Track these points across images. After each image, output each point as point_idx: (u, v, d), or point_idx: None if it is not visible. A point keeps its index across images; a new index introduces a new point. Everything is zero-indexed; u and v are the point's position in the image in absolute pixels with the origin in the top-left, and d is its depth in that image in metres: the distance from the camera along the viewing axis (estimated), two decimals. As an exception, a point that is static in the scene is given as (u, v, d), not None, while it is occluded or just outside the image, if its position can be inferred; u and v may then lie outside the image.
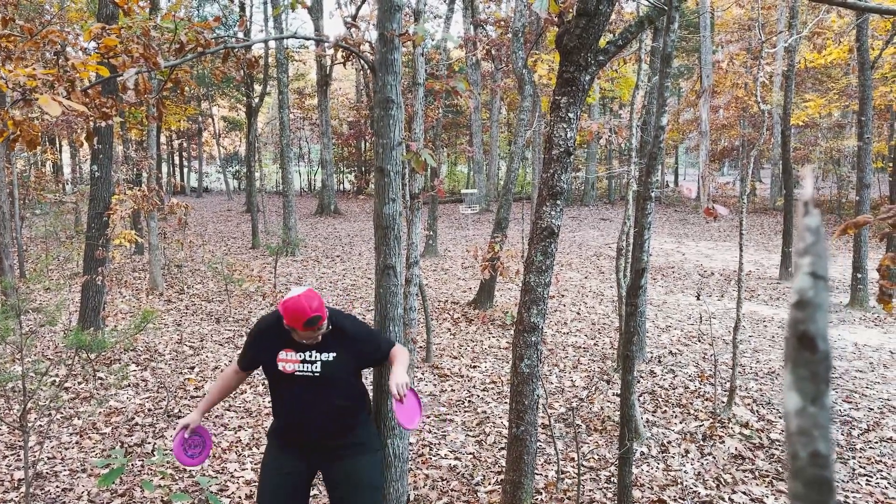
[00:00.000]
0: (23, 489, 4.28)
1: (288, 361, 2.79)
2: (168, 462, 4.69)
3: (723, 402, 5.83)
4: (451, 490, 4.43)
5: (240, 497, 4.32)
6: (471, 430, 5.43)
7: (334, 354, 2.78)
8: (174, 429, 5.34)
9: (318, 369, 2.77)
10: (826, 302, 0.37)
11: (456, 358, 7.43)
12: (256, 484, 4.49)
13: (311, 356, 2.78)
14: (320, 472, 2.93)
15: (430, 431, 5.40)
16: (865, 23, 9.81)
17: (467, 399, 6.17)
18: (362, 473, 2.88)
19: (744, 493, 4.37)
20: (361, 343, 2.89)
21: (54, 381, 6.35)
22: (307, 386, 2.79)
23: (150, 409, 5.80)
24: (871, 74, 9.98)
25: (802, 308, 0.36)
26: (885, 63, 14.99)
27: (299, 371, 2.78)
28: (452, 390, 6.40)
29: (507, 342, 7.97)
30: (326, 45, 3.86)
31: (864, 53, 9.85)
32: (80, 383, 6.42)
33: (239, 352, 3.43)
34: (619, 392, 6.13)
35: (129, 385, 6.40)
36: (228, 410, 5.77)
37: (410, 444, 4.90)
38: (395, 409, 2.78)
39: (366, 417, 2.99)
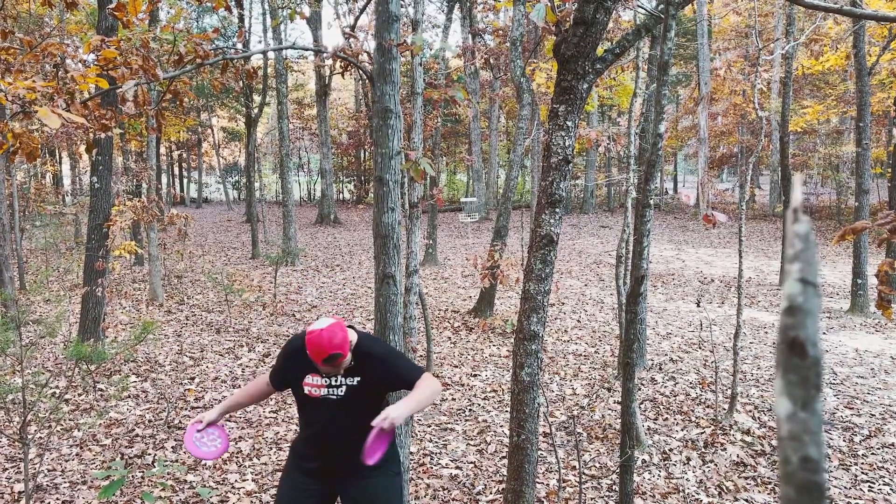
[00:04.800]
0: (23, 502, 4.26)
1: (314, 386, 2.78)
2: (168, 474, 4.68)
3: (724, 409, 5.82)
4: (453, 499, 4.42)
5: (240, 508, 4.30)
6: (472, 439, 5.42)
7: (359, 379, 2.74)
8: (175, 440, 5.33)
9: (343, 393, 2.76)
10: (816, 308, 0.37)
11: (456, 367, 7.42)
12: (258, 494, 4.47)
13: (336, 381, 2.77)
14: (339, 495, 2.85)
15: (430, 440, 5.39)
16: (862, 29, 9.85)
17: (468, 408, 6.16)
18: (381, 495, 2.82)
19: (746, 500, 4.36)
20: (388, 367, 2.79)
21: (54, 392, 6.34)
22: (331, 409, 2.77)
23: (150, 421, 5.79)
24: (868, 80, 10.02)
25: (792, 314, 0.37)
26: (883, 69, 15.05)
27: (324, 395, 2.77)
28: (453, 399, 6.39)
29: (508, 350, 7.96)
30: (325, 55, 3.87)
31: (862, 59, 9.89)
32: (80, 395, 6.41)
33: (271, 365, 3.35)
34: (619, 400, 6.11)
35: (130, 396, 6.39)
36: (229, 420, 5.76)
37: (411, 453, 4.89)
38: (370, 443, 2.56)
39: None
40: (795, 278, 0.37)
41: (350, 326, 2.87)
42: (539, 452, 4.81)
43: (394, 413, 2.57)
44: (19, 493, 4.45)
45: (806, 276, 0.36)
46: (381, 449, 2.66)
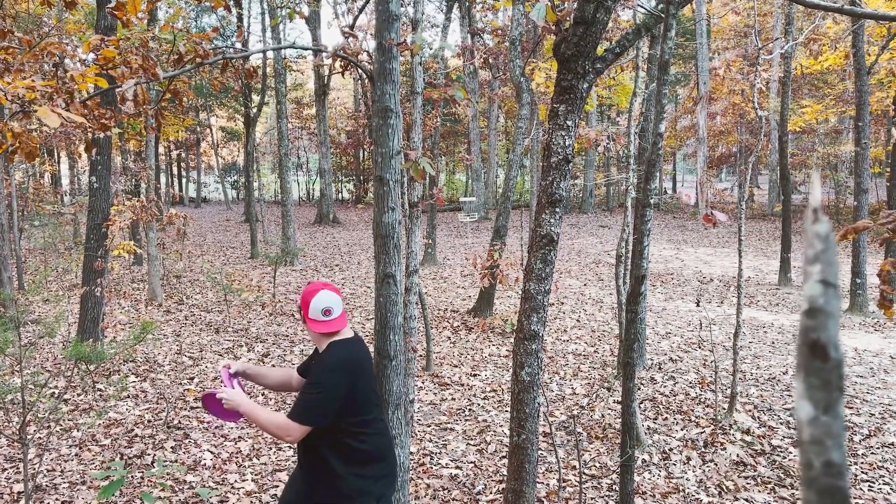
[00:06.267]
0: (22, 502, 4.25)
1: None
2: (168, 474, 4.67)
3: (724, 409, 5.82)
4: (453, 499, 4.41)
5: (240, 508, 4.29)
6: (472, 439, 5.42)
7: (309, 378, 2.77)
8: (174, 440, 5.32)
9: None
10: (837, 309, 0.36)
11: (456, 366, 7.41)
12: (258, 494, 4.47)
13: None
14: None
15: (430, 440, 5.39)
16: (861, 28, 9.85)
17: (468, 408, 6.15)
18: None
19: (746, 500, 4.36)
20: (306, 384, 2.72)
21: (53, 392, 6.33)
22: None
23: (149, 421, 5.78)
24: (867, 80, 10.02)
25: (813, 316, 0.36)
26: (882, 68, 15.05)
27: None
28: (453, 399, 6.38)
29: (507, 350, 7.96)
30: (324, 54, 3.86)
31: (860, 59, 9.89)
32: (79, 395, 6.40)
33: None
34: (619, 399, 6.11)
35: (129, 396, 6.38)
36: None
37: (411, 453, 4.88)
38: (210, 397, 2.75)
39: (344, 471, 2.70)
40: (816, 280, 0.36)
41: (355, 336, 2.86)
42: (539, 452, 4.80)
43: (232, 393, 2.69)
44: (18, 493, 4.44)
45: (827, 277, 0.36)
46: (217, 407, 2.76)
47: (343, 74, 4.15)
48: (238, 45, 19.13)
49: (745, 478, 4.67)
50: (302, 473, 2.82)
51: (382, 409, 3.03)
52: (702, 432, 5.45)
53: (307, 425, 2.60)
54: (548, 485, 4.60)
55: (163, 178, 31.32)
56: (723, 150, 30.13)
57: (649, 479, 4.66)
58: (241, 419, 2.88)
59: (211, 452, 5.11)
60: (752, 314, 9.87)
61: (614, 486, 4.51)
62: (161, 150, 31.57)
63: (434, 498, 4.43)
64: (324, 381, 2.64)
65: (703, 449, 5.15)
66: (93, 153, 7.54)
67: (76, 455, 5.08)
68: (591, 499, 4.38)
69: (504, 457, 4.95)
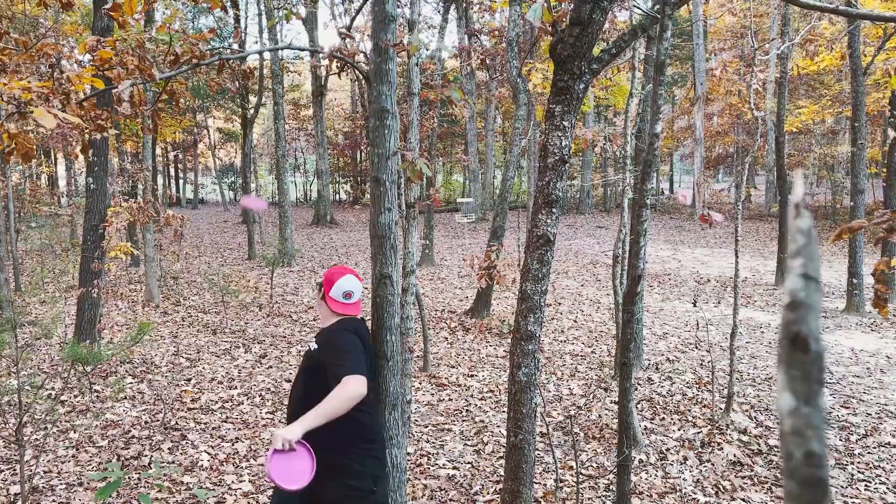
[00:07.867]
0: (19, 503, 4.25)
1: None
2: (165, 475, 4.67)
3: (721, 409, 5.83)
4: (450, 500, 4.41)
5: (237, 509, 4.29)
6: (469, 440, 5.42)
7: (317, 347, 2.89)
8: (171, 441, 5.32)
9: (305, 354, 2.96)
10: (818, 303, 0.37)
11: (453, 367, 7.41)
12: (255, 495, 4.47)
13: (311, 341, 2.98)
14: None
15: (427, 441, 5.39)
16: (857, 29, 9.88)
17: (465, 408, 6.15)
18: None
19: (743, 500, 4.37)
20: (327, 351, 2.78)
21: (50, 394, 6.32)
22: (299, 369, 2.99)
23: (146, 422, 5.77)
24: (863, 80, 10.05)
25: (795, 309, 0.37)
26: (878, 69, 15.08)
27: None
28: (450, 399, 6.39)
29: (505, 351, 7.96)
30: (321, 55, 3.87)
31: (857, 60, 9.91)
32: (76, 396, 6.39)
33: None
34: (616, 400, 6.12)
35: (126, 398, 6.37)
36: (226, 422, 5.75)
37: (408, 453, 4.88)
38: (270, 459, 2.46)
39: (352, 445, 2.75)
40: (798, 273, 0.37)
41: (363, 318, 3.06)
42: (536, 452, 4.80)
43: (280, 433, 2.51)
44: (15, 495, 4.43)
45: (808, 271, 0.36)
46: (286, 466, 2.49)
47: (340, 75, 4.16)
48: (235, 47, 19.11)
49: (742, 478, 4.68)
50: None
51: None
52: (699, 432, 5.46)
53: (362, 374, 2.63)
54: (545, 485, 4.60)
55: (160, 180, 31.26)
56: (720, 151, 30.19)
57: (646, 480, 4.67)
58: (311, 474, 2.57)
59: (208, 453, 5.11)
60: (749, 314, 9.89)
61: (611, 487, 4.52)
62: (158, 151, 31.52)
63: (431, 498, 4.43)
64: (342, 341, 2.79)
65: (699, 449, 5.16)
66: (89, 154, 7.53)
67: (73, 456, 5.07)
68: (588, 499, 4.39)
69: (501, 457, 4.96)
